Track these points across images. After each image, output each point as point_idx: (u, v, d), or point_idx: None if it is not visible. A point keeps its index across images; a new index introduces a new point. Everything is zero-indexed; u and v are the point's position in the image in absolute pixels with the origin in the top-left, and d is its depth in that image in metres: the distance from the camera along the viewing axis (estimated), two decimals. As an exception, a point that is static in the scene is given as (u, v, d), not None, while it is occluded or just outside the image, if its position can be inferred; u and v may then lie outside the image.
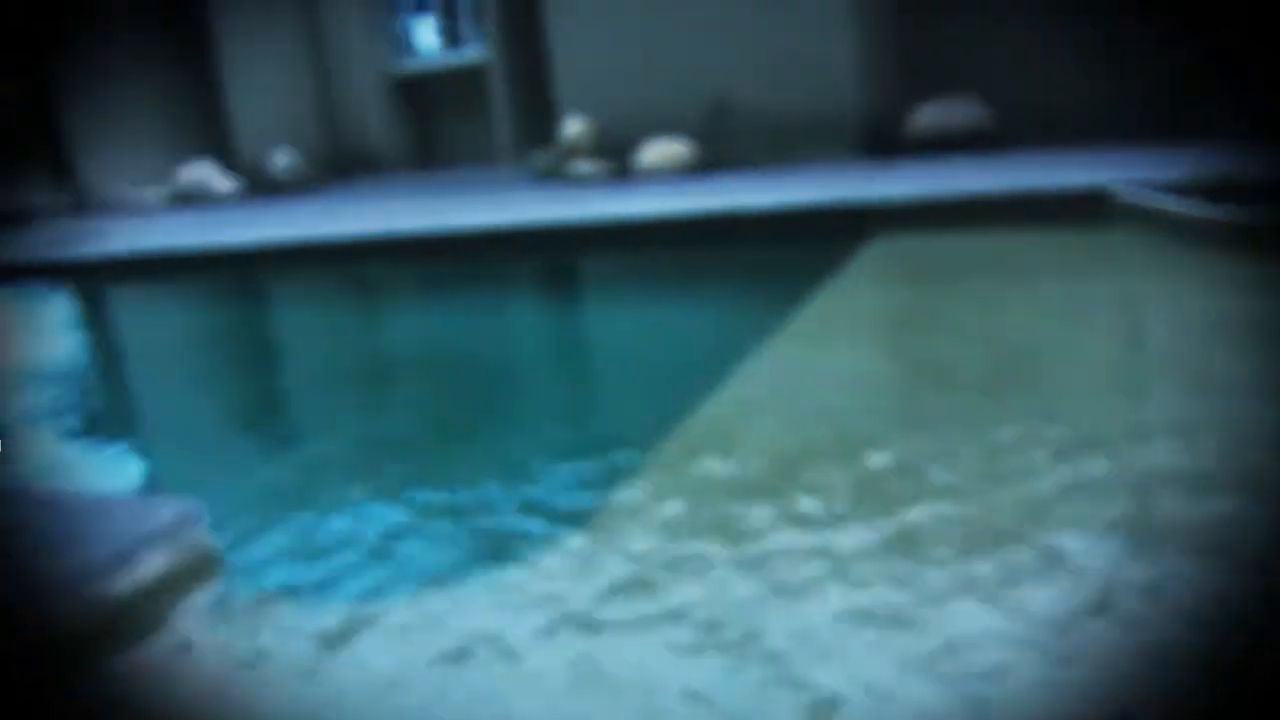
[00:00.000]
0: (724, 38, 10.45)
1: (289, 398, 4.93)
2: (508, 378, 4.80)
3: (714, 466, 2.90)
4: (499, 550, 2.59)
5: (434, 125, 14.56)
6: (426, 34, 14.28)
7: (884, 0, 10.53)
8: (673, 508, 2.64)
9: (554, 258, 7.35)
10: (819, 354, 4.15)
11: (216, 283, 8.09)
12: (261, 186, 13.70)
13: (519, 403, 4.28)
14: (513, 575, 2.42)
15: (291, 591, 2.48)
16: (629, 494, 2.78)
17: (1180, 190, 5.76)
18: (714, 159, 10.08)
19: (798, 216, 6.64)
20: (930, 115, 9.66)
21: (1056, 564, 2.15)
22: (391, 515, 2.88)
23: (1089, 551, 2.18)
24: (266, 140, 14.17)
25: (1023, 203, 6.15)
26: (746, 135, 10.30)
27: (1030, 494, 2.50)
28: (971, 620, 1.97)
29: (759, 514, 2.53)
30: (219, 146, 14.60)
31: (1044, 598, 2.02)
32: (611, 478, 2.94)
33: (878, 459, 2.83)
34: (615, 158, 10.47)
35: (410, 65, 14.33)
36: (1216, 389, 3.27)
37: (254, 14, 14.35)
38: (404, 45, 14.37)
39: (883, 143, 9.75)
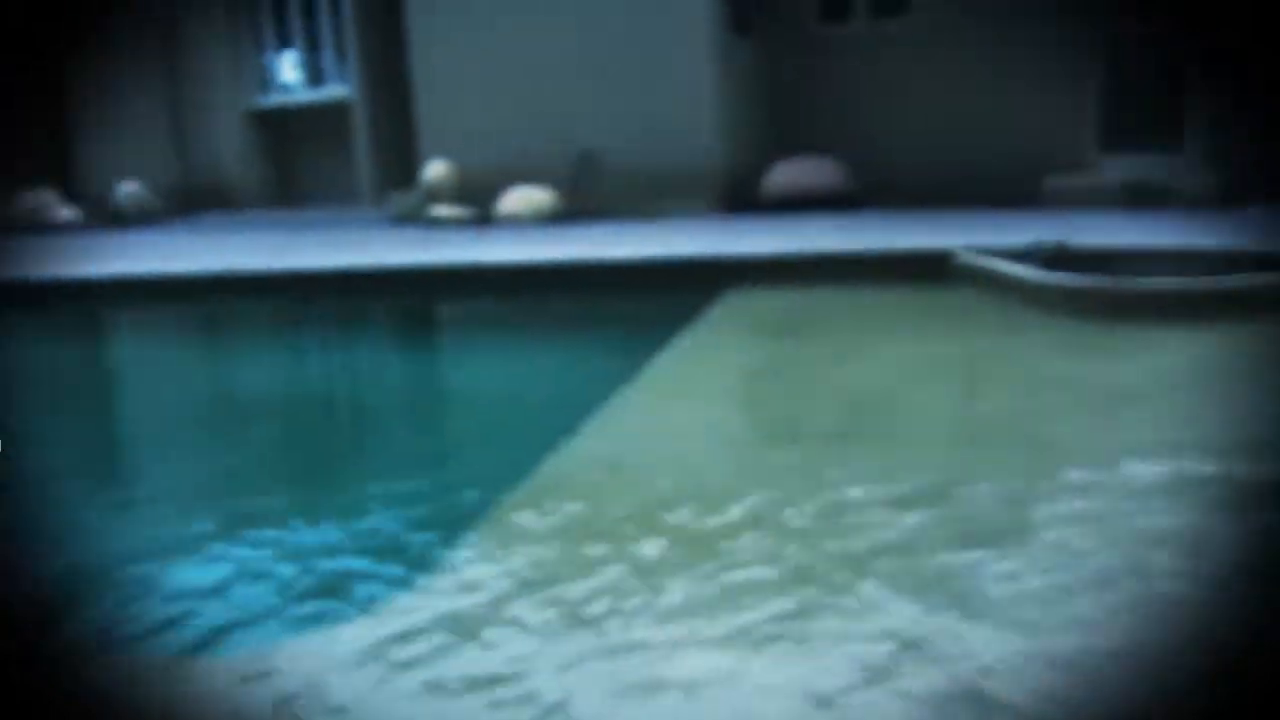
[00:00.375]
0: (591, 90, 10.54)
1: (82, 439, 4.64)
2: (342, 425, 4.63)
3: (556, 519, 2.82)
4: (313, 605, 2.45)
5: (295, 162, 14.21)
6: (289, 70, 13.98)
7: (749, 62, 10.80)
8: (506, 562, 2.54)
9: (402, 303, 7.19)
10: (671, 406, 4.12)
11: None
12: (103, 217, 13.11)
13: (356, 452, 4.12)
14: (326, 630, 2.28)
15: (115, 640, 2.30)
16: (462, 549, 2.67)
17: (1018, 256, 6.00)
18: (577, 209, 10.09)
19: (656, 269, 6.66)
20: (789, 174, 9.90)
21: (873, 611, 2.14)
22: (207, 568, 2.71)
23: (906, 605, 2.18)
24: (115, 170, 13.59)
25: (872, 262, 6.32)
26: (611, 187, 10.37)
27: (864, 545, 2.51)
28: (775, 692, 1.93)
29: (595, 567, 2.46)
30: (63, 174, 13.94)
31: (862, 649, 2.00)
32: (447, 531, 2.83)
33: (721, 512, 2.80)
34: (477, 203, 10.39)
35: (270, 101, 13.99)
36: (1039, 445, 3.37)
37: (112, 43, 13.83)
38: (266, 80, 14.03)
39: (744, 198, 9.94)
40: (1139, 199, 8.67)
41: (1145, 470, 2.99)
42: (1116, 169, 9.31)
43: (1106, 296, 5.32)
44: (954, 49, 10.15)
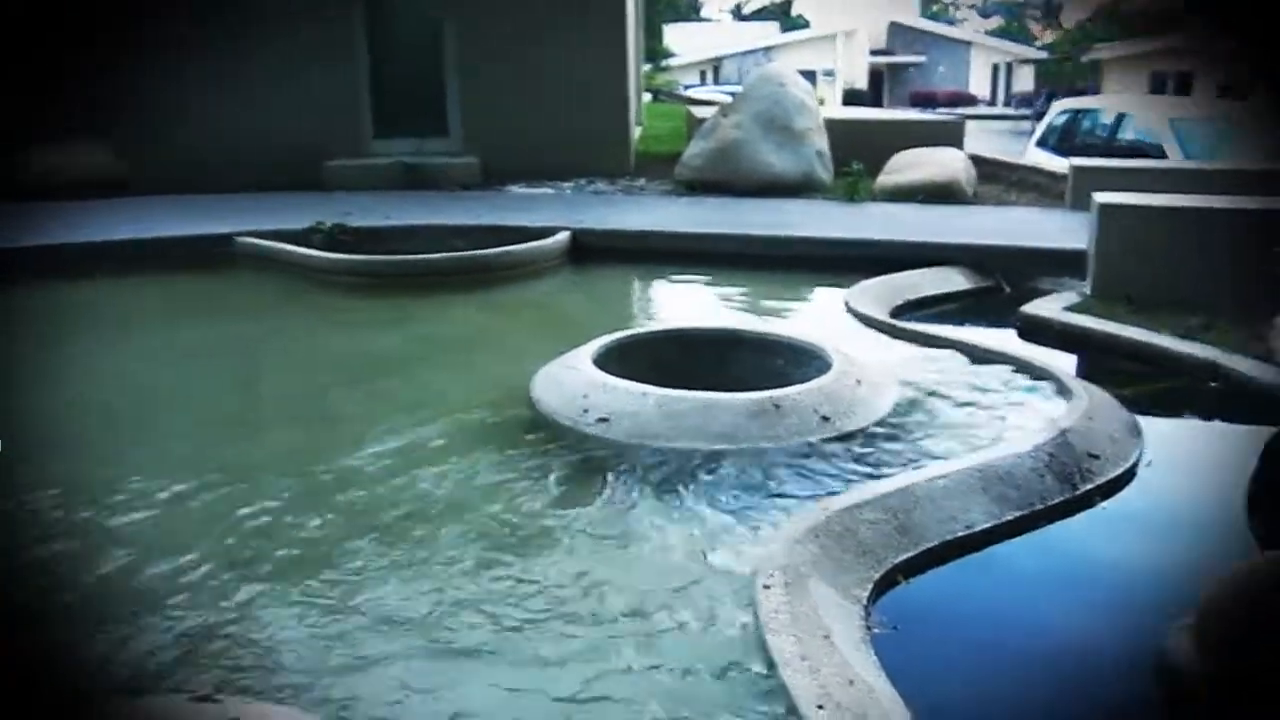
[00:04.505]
0: None
1: None
2: None
3: None
4: None
5: None
6: None
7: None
8: None
9: None
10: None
11: None
12: None
13: None
14: None
15: None
16: None
17: (299, 239, 6.25)
18: None
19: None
20: (51, 158, 9.05)
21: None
22: None
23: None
24: None
25: (153, 250, 6.12)
26: None
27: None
28: None
29: None
30: None
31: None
32: None
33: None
34: None
35: None
36: (318, 420, 3.67)
37: None
38: None
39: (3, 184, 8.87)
40: (414, 180, 9.36)
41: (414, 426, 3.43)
42: (390, 152, 9.92)
43: (372, 272, 5.79)
44: (231, 38, 9.94)
